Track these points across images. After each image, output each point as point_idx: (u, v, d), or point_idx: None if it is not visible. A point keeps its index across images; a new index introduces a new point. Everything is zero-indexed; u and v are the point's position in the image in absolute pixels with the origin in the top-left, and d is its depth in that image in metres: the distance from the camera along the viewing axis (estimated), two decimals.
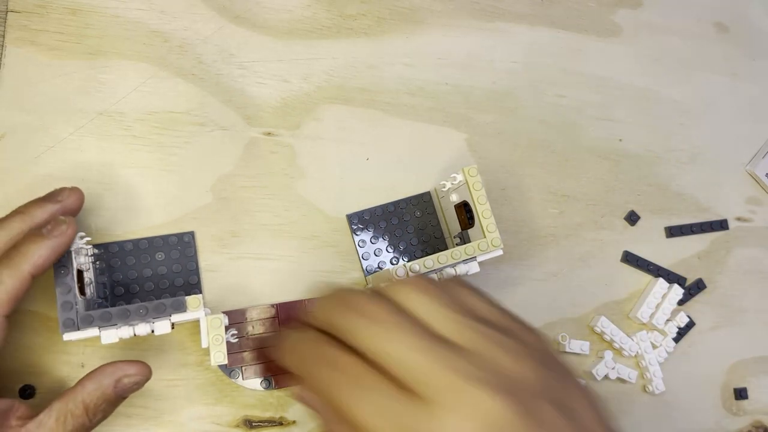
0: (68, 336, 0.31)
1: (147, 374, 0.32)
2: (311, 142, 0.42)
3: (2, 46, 0.39)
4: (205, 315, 0.34)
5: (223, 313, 0.35)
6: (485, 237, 0.37)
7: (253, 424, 0.38)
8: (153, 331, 0.33)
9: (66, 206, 0.33)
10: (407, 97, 0.44)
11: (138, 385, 0.32)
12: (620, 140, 0.48)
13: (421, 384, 0.24)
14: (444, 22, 0.46)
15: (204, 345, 0.35)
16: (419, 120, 0.44)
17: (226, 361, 0.35)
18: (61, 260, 0.32)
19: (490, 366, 0.24)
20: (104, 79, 0.40)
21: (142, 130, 0.39)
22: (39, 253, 0.31)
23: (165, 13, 0.42)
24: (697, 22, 0.52)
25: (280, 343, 0.30)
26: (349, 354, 0.27)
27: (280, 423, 0.38)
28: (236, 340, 0.37)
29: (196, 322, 0.38)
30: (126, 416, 0.36)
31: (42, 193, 0.34)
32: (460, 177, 0.38)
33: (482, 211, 0.37)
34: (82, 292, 0.33)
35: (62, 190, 0.34)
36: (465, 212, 0.40)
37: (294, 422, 0.38)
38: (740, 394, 0.46)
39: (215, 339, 0.34)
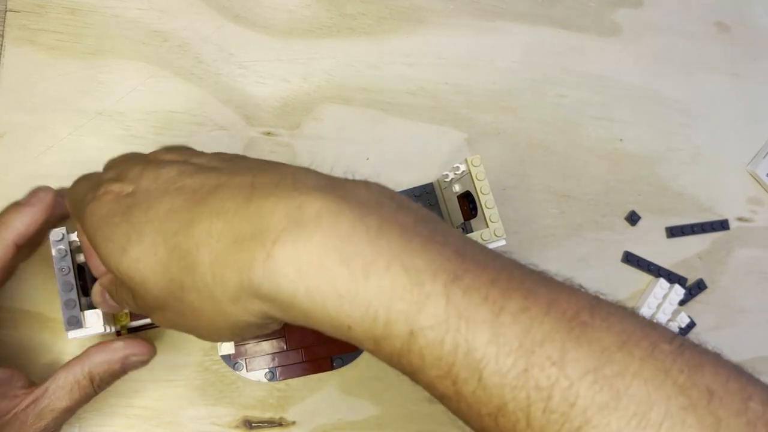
0: (73, 334, 0.31)
1: (153, 354, 0.33)
2: (311, 141, 0.42)
3: (1, 45, 0.39)
4: None
5: None
6: (488, 227, 0.37)
7: (253, 424, 0.37)
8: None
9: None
10: (407, 97, 0.44)
11: (143, 364, 0.33)
12: (621, 140, 0.48)
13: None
14: (444, 21, 0.46)
15: None
16: (419, 120, 0.44)
17: (232, 351, 0.35)
18: (63, 258, 0.32)
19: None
20: (103, 78, 0.40)
21: (141, 130, 0.39)
22: (21, 220, 0.32)
23: (165, 12, 0.41)
24: (698, 21, 0.52)
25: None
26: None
27: (279, 423, 0.38)
28: None
29: None
30: (126, 416, 0.36)
31: None
32: (463, 167, 0.38)
33: (485, 201, 0.37)
34: (83, 290, 0.33)
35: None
36: (467, 203, 0.40)
37: (294, 423, 0.38)
38: None
39: None
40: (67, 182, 0.38)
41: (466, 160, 0.38)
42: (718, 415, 0.19)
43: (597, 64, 0.49)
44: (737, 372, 0.21)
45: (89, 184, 0.28)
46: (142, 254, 0.24)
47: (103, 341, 0.32)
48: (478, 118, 0.46)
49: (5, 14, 0.39)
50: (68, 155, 0.38)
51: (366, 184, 0.24)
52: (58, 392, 0.31)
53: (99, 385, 0.32)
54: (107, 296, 0.31)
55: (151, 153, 0.30)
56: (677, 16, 0.52)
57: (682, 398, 0.19)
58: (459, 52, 0.46)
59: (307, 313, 0.21)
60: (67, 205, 0.30)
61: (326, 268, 0.20)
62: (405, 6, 0.46)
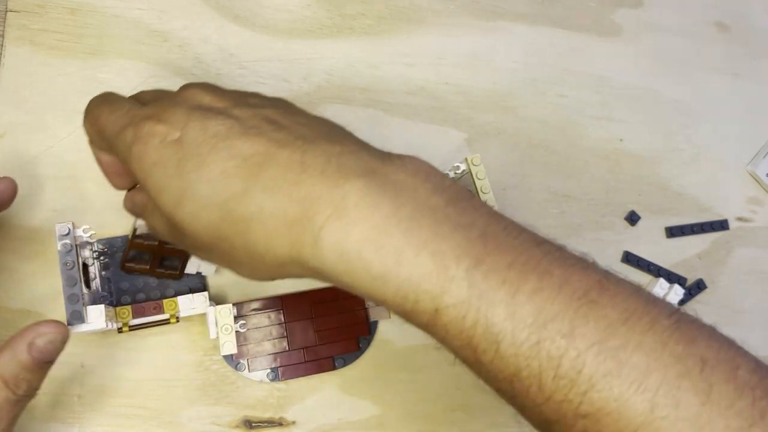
0: (75, 329, 0.31)
1: (62, 331, 0.29)
2: None
3: (2, 45, 0.39)
4: (213, 307, 0.34)
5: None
6: None
7: (253, 424, 0.38)
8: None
9: None
10: (407, 97, 0.44)
11: (54, 345, 0.29)
12: (621, 140, 0.48)
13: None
14: (444, 21, 0.46)
15: (212, 336, 0.36)
16: (419, 120, 0.44)
17: (235, 351, 0.36)
18: (68, 253, 0.32)
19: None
20: (104, 78, 0.40)
21: None
22: None
23: (165, 12, 0.41)
24: (698, 21, 0.52)
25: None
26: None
27: (279, 423, 0.38)
28: (244, 330, 0.37)
29: (198, 321, 0.38)
30: (126, 416, 0.36)
31: (41, 194, 0.34)
32: (463, 166, 0.38)
33: (486, 199, 0.37)
34: (87, 285, 0.33)
35: None
36: None
37: (294, 423, 0.38)
38: None
39: (224, 329, 0.35)
40: (67, 182, 0.38)
41: (466, 160, 0.38)
42: (710, 381, 0.21)
43: (597, 64, 0.49)
44: (728, 344, 0.23)
45: (124, 116, 0.28)
46: (195, 211, 0.25)
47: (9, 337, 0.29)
48: (478, 118, 0.46)
49: (5, 14, 0.39)
50: (68, 155, 0.38)
51: (405, 167, 0.25)
52: None
53: (16, 385, 0.28)
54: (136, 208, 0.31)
55: (186, 91, 0.29)
56: (677, 16, 0.52)
57: (678, 366, 0.21)
58: (459, 52, 0.46)
59: (347, 285, 0.24)
60: (86, 126, 0.30)
61: (363, 256, 0.23)
62: (405, 6, 0.46)
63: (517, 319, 0.22)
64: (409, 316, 0.24)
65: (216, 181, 0.25)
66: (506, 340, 0.22)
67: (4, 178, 0.34)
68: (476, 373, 0.24)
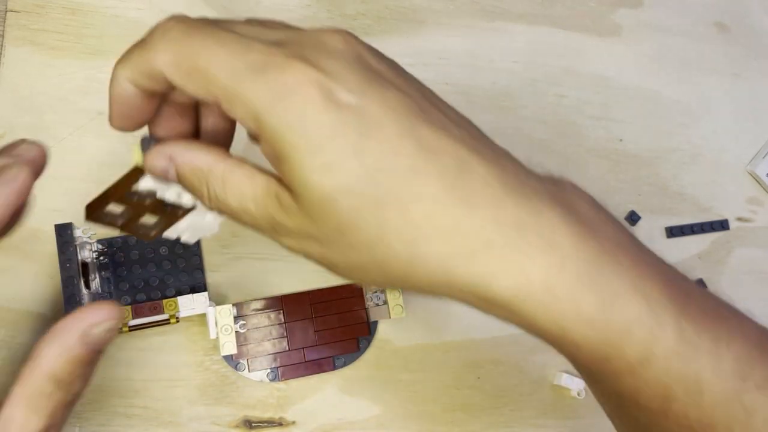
0: None
1: (118, 316, 0.25)
2: None
3: (2, 45, 0.39)
4: (212, 308, 0.34)
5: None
6: None
7: (253, 424, 0.38)
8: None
9: (25, 160, 0.26)
10: None
11: (112, 333, 0.25)
12: (620, 140, 0.48)
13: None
14: (444, 21, 0.46)
15: (212, 336, 0.35)
16: None
17: (235, 351, 0.35)
18: (66, 253, 0.32)
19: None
20: (104, 78, 0.40)
21: (141, 130, 0.39)
22: None
23: (165, 12, 0.41)
24: (698, 21, 0.52)
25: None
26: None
27: (279, 423, 0.38)
28: (244, 330, 0.37)
29: (198, 321, 0.38)
30: (126, 416, 0.36)
31: (41, 194, 0.34)
32: None
33: None
34: (87, 285, 0.33)
35: (20, 142, 0.27)
36: None
37: (294, 423, 0.38)
38: None
39: (224, 329, 0.35)
40: (66, 182, 0.38)
41: None
42: None
43: (597, 64, 0.49)
44: None
45: (251, 50, 0.21)
46: (351, 196, 0.21)
47: (52, 327, 0.25)
48: (477, 118, 0.45)
49: (5, 14, 0.39)
50: (69, 155, 0.38)
51: (577, 192, 0.24)
52: (18, 416, 0.23)
53: (70, 384, 0.24)
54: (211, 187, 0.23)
55: (335, 37, 0.22)
56: (677, 16, 0.52)
57: None
58: (459, 52, 0.46)
59: (533, 324, 0.22)
60: (163, 63, 0.21)
61: (574, 295, 0.21)
62: (405, 6, 0.46)
63: (721, 370, 0.22)
64: (599, 363, 0.22)
65: (381, 166, 0.20)
66: (709, 392, 0.22)
67: (35, 142, 0.27)
68: (638, 420, 0.23)
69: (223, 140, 0.26)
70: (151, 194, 0.27)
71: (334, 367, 0.39)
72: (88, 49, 0.40)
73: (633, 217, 0.47)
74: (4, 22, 0.39)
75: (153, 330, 0.37)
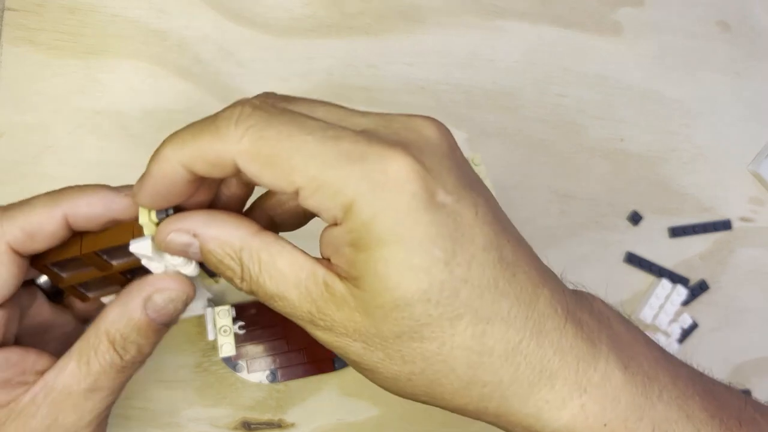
0: None
1: (186, 289, 0.24)
2: None
3: None
4: (211, 308, 0.34)
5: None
6: None
7: (252, 425, 0.37)
8: None
9: None
10: (407, 96, 0.44)
11: (175, 305, 0.24)
12: (622, 140, 0.48)
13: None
14: (444, 20, 0.46)
15: (211, 337, 0.35)
16: None
17: (234, 352, 0.35)
18: None
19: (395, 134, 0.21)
20: (102, 78, 0.40)
21: (140, 129, 0.39)
22: (84, 199, 0.24)
23: (163, 11, 0.41)
24: (700, 21, 0.52)
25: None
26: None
27: (278, 425, 0.38)
28: (243, 331, 0.37)
29: (196, 322, 0.38)
30: (124, 418, 0.36)
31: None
32: None
33: None
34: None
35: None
36: None
37: (293, 424, 0.38)
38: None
39: (223, 330, 0.34)
40: (64, 182, 0.38)
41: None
42: None
43: (598, 63, 0.49)
44: None
45: (336, 139, 0.20)
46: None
47: (120, 292, 0.25)
48: (478, 117, 0.45)
49: (3, 13, 0.39)
50: (67, 155, 0.38)
51: (608, 309, 0.24)
52: (71, 367, 0.24)
53: (124, 348, 0.24)
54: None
55: (409, 118, 0.21)
56: (678, 15, 0.51)
57: None
58: (459, 51, 0.46)
59: None
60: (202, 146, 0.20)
61: (629, 427, 0.21)
62: (405, 5, 0.46)
63: None
64: None
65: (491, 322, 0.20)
66: None
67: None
68: None
69: (237, 208, 0.25)
70: (132, 259, 0.24)
71: (334, 368, 0.38)
72: (86, 49, 0.40)
73: (635, 218, 0.46)
74: (2, 20, 0.39)
75: None
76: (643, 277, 0.46)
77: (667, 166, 0.48)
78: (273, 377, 0.38)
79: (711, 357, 0.46)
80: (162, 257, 0.23)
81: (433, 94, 0.45)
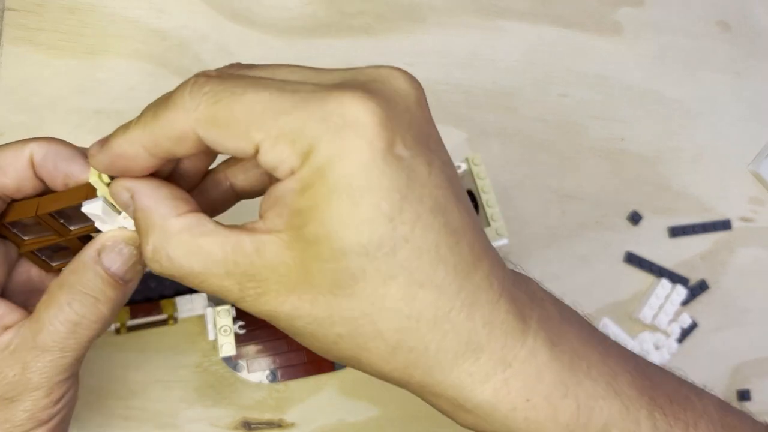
0: None
1: (138, 244, 0.23)
2: None
3: (0, 44, 0.39)
4: (211, 308, 0.34)
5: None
6: (489, 226, 0.36)
7: (252, 425, 0.37)
8: None
9: None
10: None
11: (128, 255, 0.24)
12: (622, 140, 0.48)
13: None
14: (444, 20, 0.46)
15: (211, 337, 0.35)
16: None
17: (234, 352, 0.35)
18: None
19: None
20: (102, 77, 0.40)
21: None
22: (48, 142, 0.24)
23: (163, 11, 0.41)
24: (700, 20, 0.52)
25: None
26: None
27: (279, 425, 0.38)
28: (243, 331, 0.37)
29: (197, 322, 0.38)
30: (124, 418, 0.36)
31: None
32: (464, 166, 0.38)
33: (487, 199, 0.37)
34: None
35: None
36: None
37: (293, 424, 0.38)
38: (743, 395, 0.46)
39: (224, 330, 0.34)
40: None
41: (467, 159, 0.38)
42: None
43: (598, 63, 0.49)
44: None
45: (293, 91, 0.19)
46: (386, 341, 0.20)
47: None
48: (478, 117, 0.45)
49: (3, 13, 0.39)
50: None
51: (541, 291, 0.24)
52: (21, 326, 0.24)
53: (80, 302, 0.24)
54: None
55: (380, 68, 0.21)
56: (679, 15, 0.51)
57: None
58: (460, 51, 0.46)
59: (499, 429, 0.22)
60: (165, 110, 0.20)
61: (551, 401, 0.22)
62: (405, 4, 0.46)
63: None
64: None
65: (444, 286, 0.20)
66: None
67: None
68: None
69: (195, 179, 0.24)
70: (89, 225, 0.24)
71: (334, 368, 0.38)
72: (86, 49, 0.40)
73: (635, 218, 0.46)
74: (2, 20, 0.39)
75: (151, 331, 0.37)
76: (642, 277, 0.46)
77: (667, 166, 0.48)
78: (273, 377, 0.38)
79: (711, 357, 0.46)
80: (114, 219, 0.23)
81: (433, 94, 0.44)
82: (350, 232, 0.19)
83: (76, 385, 0.26)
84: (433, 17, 0.46)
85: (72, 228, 0.25)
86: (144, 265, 0.24)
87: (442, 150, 0.22)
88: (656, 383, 0.24)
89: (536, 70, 0.47)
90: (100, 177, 0.23)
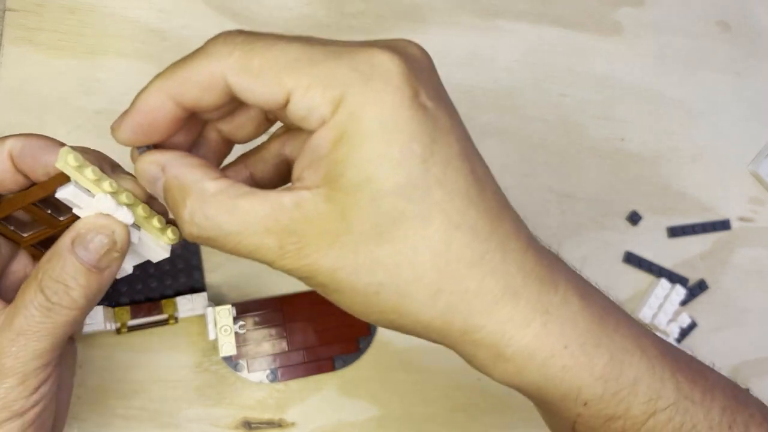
0: None
1: (112, 227, 0.24)
2: None
3: (0, 44, 0.39)
4: (212, 308, 0.34)
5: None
6: None
7: (252, 425, 0.37)
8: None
9: None
10: None
11: (100, 241, 0.24)
12: (622, 140, 0.48)
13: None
14: (444, 20, 0.46)
15: (211, 337, 0.35)
16: None
17: (234, 352, 0.35)
18: None
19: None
20: (102, 77, 0.40)
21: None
22: (25, 138, 0.24)
23: (163, 11, 0.41)
24: (700, 20, 0.52)
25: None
26: None
27: (279, 425, 0.38)
28: (244, 331, 0.37)
29: (197, 322, 0.38)
30: (124, 418, 0.36)
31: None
32: None
33: None
34: None
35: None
36: None
37: (293, 424, 0.38)
38: None
39: (224, 330, 0.35)
40: None
41: None
42: None
43: (598, 63, 0.49)
44: None
45: (322, 44, 0.21)
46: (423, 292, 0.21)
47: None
48: (478, 117, 0.45)
49: (4, 13, 0.39)
50: None
51: (566, 266, 0.24)
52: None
53: (51, 288, 0.24)
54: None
55: (395, 39, 0.22)
56: (679, 15, 0.51)
57: None
58: (459, 51, 0.46)
59: (536, 378, 0.22)
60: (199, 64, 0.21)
61: (587, 350, 0.22)
62: (405, 4, 0.46)
63: (711, 419, 0.23)
64: (604, 422, 0.23)
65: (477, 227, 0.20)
66: None
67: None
68: None
69: (216, 160, 0.25)
70: (70, 209, 0.24)
71: (334, 368, 0.38)
72: (86, 49, 0.40)
73: (634, 217, 0.46)
74: (3, 21, 0.39)
75: (151, 330, 0.37)
76: (642, 277, 0.46)
77: (667, 166, 0.48)
78: (273, 377, 0.38)
79: (710, 357, 0.46)
80: (89, 203, 0.24)
81: None
82: (387, 173, 0.19)
83: (56, 381, 0.25)
84: (433, 17, 0.46)
85: (61, 219, 0.25)
86: (120, 253, 0.24)
87: (456, 111, 0.23)
88: (675, 352, 0.24)
89: (536, 70, 0.47)
90: (67, 160, 0.23)
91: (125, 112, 0.22)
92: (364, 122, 0.19)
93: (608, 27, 0.50)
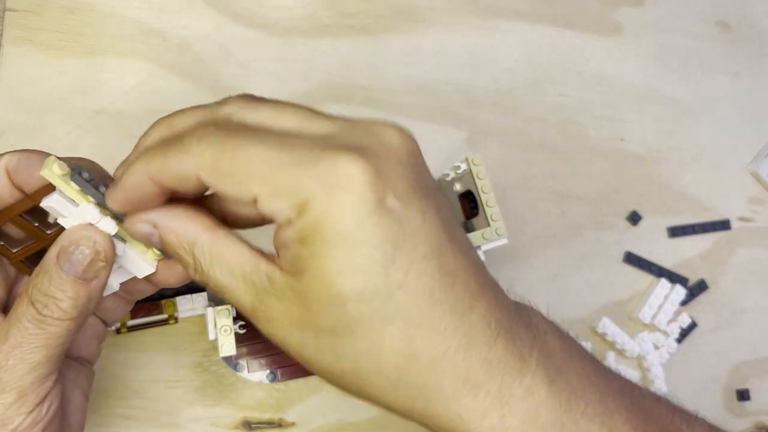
0: None
1: (95, 238, 0.24)
2: None
3: (0, 45, 0.39)
4: (211, 308, 0.34)
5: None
6: (489, 226, 0.36)
7: (252, 425, 0.37)
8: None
9: None
10: (407, 96, 0.44)
11: (83, 252, 0.24)
12: (622, 140, 0.48)
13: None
14: (444, 20, 0.46)
15: (211, 337, 0.35)
16: (420, 119, 0.44)
17: (234, 352, 0.35)
18: None
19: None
20: (102, 77, 0.40)
21: (140, 129, 0.39)
22: (19, 153, 0.25)
23: (163, 11, 0.41)
24: (700, 20, 0.52)
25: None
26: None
27: (279, 424, 0.38)
28: (244, 331, 0.37)
29: (197, 322, 0.38)
30: (124, 418, 0.36)
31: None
32: (463, 166, 0.38)
33: (486, 199, 0.37)
34: None
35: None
36: (468, 202, 0.40)
37: (293, 423, 0.38)
38: (742, 395, 0.46)
39: (224, 330, 0.35)
40: None
41: (467, 159, 0.38)
42: None
43: (598, 63, 0.49)
44: None
45: (291, 147, 0.21)
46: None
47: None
48: (478, 117, 0.45)
49: (4, 13, 0.39)
50: (67, 155, 0.38)
51: (546, 323, 0.24)
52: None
53: (41, 301, 0.24)
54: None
55: (379, 128, 0.23)
56: (679, 15, 0.51)
57: None
58: (459, 50, 0.46)
59: None
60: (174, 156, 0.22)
61: None
62: (405, 4, 0.46)
63: None
64: None
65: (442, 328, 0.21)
66: None
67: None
68: None
69: (196, 198, 0.25)
70: (44, 215, 0.25)
71: None
72: (86, 49, 0.40)
73: (634, 218, 0.46)
74: (3, 21, 0.39)
75: (151, 330, 0.37)
76: (642, 277, 0.46)
77: (667, 166, 0.48)
78: (273, 377, 0.38)
79: (710, 357, 0.46)
80: (73, 213, 0.24)
81: (433, 94, 0.45)
82: (346, 280, 0.20)
83: (58, 400, 0.25)
84: (433, 17, 0.46)
85: (49, 232, 0.26)
86: (106, 262, 0.25)
87: (438, 195, 0.23)
88: (650, 417, 0.24)
89: (536, 70, 0.47)
90: (52, 169, 0.23)
91: (114, 185, 0.23)
92: (326, 231, 0.20)
93: (608, 27, 0.50)
